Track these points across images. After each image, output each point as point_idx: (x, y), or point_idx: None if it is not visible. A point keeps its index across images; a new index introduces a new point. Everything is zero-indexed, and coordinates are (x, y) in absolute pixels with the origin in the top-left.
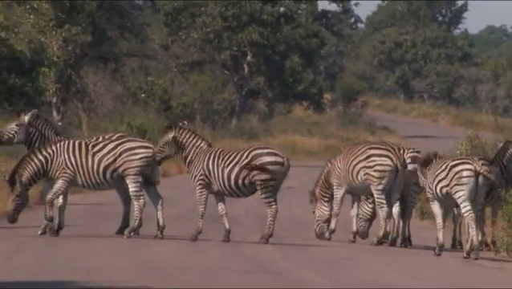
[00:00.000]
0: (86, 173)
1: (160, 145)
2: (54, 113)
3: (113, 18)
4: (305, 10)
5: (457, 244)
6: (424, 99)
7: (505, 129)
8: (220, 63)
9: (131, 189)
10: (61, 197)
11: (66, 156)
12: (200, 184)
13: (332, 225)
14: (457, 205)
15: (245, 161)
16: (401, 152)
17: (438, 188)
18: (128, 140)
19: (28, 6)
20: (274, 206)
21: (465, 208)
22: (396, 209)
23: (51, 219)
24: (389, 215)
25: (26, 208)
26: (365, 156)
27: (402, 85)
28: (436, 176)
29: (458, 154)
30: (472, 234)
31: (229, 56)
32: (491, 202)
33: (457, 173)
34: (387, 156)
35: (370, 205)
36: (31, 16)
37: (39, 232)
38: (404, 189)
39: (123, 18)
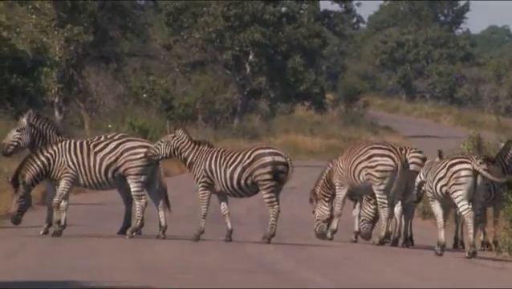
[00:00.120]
0: (88, 173)
1: (157, 143)
2: (56, 113)
3: (115, 18)
4: (307, 9)
5: (459, 244)
6: (426, 99)
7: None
8: (222, 63)
9: (132, 189)
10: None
11: (68, 156)
12: (202, 184)
13: (334, 225)
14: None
15: (248, 161)
16: (403, 152)
17: (438, 187)
18: (129, 140)
19: (30, 6)
20: (276, 206)
21: (463, 207)
22: (397, 209)
23: (59, 222)
24: (391, 215)
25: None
26: (367, 156)
27: (404, 85)
28: (436, 175)
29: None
30: (470, 233)
31: (231, 56)
32: (493, 202)
33: (455, 173)
34: (388, 156)
35: (372, 207)
36: (33, 16)
37: (41, 232)
38: (406, 189)
39: (125, 18)
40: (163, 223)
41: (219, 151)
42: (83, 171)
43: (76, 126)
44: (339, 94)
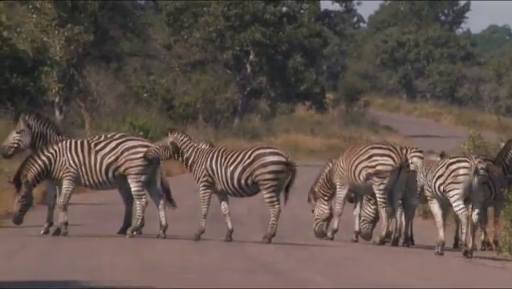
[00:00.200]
0: (89, 172)
1: (156, 146)
2: (57, 113)
3: (115, 18)
4: (307, 9)
5: (459, 244)
6: (427, 99)
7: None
8: (222, 63)
9: (132, 189)
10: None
11: (68, 155)
12: (203, 184)
13: (335, 224)
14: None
15: (248, 161)
16: (403, 151)
17: (436, 186)
18: (129, 139)
19: (31, 6)
20: (276, 206)
21: (458, 206)
22: (398, 208)
23: (66, 223)
24: (391, 215)
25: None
26: (367, 155)
27: (405, 84)
28: (435, 174)
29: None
30: (463, 233)
31: (231, 56)
32: (493, 202)
33: (453, 171)
34: (389, 156)
35: (372, 207)
36: (34, 15)
37: (41, 232)
38: (407, 189)
39: (125, 17)
40: (163, 223)
41: (220, 150)
42: (83, 170)
43: (77, 126)
44: (340, 93)
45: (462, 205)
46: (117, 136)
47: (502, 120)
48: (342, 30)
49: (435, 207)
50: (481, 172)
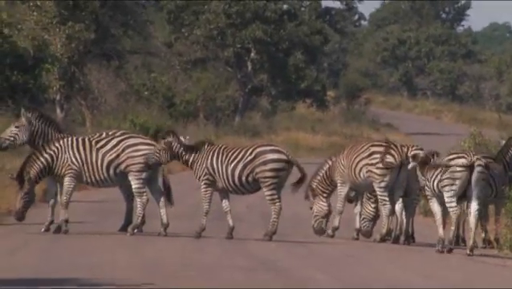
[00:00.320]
0: (90, 169)
1: (156, 150)
2: (58, 110)
3: (116, 16)
4: (308, 7)
5: (460, 241)
6: (428, 97)
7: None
8: (223, 61)
9: (133, 186)
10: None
11: (70, 152)
12: (204, 182)
13: (336, 222)
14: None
15: (249, 158)
16: (404, 149)
17: (435, 183)
18: (131, 137)
19: (31, 4)
20: (277, 204)
21: (451, 204)
22: (398, 206)
23: (67, 221)
24: (392, 212)
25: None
26: (368, 153)
27: (405, 82)
28: (434, 172)
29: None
30: (451, 229)
31: (232, 53)
32: (494, 200)
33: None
34: (389, 154)
35: (373, 205)
36: (35, 13)
37: (42, 229)
38: (407, 187)
39: (126, 15)
40: (164, 220)
41: (221, 148)
42: (85, 167)
43: (78, 123)
44: (341, 91)
45: (455, 204)
46: (118, 134)
47: (503, 118)
48: (343, 28)
49: (435, 206)
50: (479, 168)
